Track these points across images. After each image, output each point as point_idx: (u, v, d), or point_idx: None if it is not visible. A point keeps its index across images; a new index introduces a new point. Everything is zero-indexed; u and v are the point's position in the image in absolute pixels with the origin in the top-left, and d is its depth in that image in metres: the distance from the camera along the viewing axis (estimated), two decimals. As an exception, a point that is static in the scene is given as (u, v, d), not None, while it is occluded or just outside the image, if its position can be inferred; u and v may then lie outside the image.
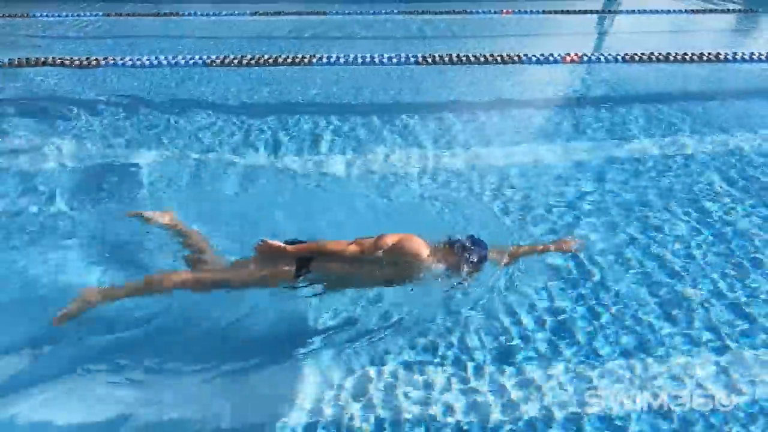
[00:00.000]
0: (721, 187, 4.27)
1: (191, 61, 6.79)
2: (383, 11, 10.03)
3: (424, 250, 2.67)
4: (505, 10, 10.08)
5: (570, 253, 3.37)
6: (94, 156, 4.78)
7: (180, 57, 6.89)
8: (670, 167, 4.60)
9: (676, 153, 4.86)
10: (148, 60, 6.79)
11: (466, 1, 10.36)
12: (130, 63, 6.74)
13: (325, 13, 9.82)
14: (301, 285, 2.84)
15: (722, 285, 3.23)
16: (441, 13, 9.92)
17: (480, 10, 10.03)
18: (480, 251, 2.75)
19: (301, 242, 2.86)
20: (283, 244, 2.76)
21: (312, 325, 2.96)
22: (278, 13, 9.76)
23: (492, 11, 10.06)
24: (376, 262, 2.69)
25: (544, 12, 10.09)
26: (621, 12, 10.84)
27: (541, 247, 3.37)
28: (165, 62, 6.78)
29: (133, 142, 5.02)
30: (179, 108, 5.77)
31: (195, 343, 2.90)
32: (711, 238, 3.66)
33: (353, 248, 2.69)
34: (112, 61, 6.75)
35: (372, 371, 2.67)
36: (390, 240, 2.66)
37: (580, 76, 7.01)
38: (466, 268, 2.74)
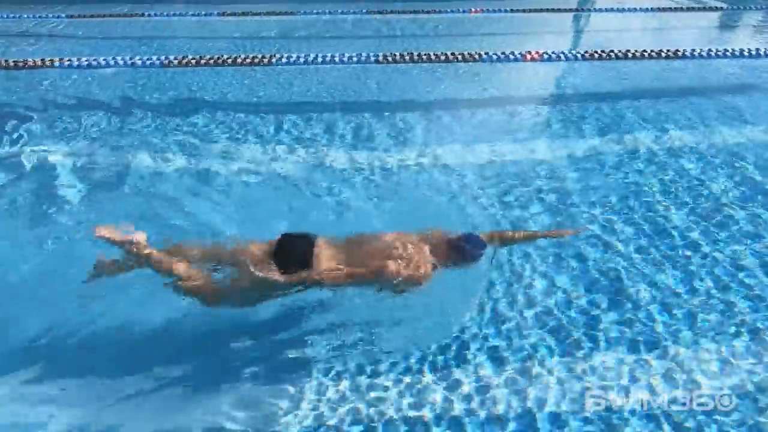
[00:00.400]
0: (691, 182, 4.33)
1: (148, 62, 6.70)
2: (352, 11, 10.00)
3: (425, 275, 2.68)
4: (473, 9, 10.10)
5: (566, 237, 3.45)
6: (52, 158, 4.71)
7: (137, 58, 6.80)
8: (637, 163, 4.64)
9: (642, 150, 4.89)
10: (104, 60, 6.69)
11: (437, 0, 10.38)
12: (86, 64, 6.64)
13: (293, 13, 9.77)
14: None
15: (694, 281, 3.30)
16: (409, 12, 9.92)
17: (449, 9, 10.03)
18: (477, 250, 2.81)
19: (293, 237, 2.78)
20: (276, 276, 2.63)
21: (304, 325, 2.93)
22: (245, 14, 9.69)
23: (461, 10, 10.06)
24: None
25: (512, 11, 10.13)
26: (594, 10, 10.91)
27: (540, 233, 3.46)
28: (122, 63, 6.69)
29: (88, 143, 4.96)
30: (132, 109, 5.71)
31: (187, 347, 2.88)
32: (685, 234, 3.71)
33: (350, 279, 2.67)
34: (68, 63, 6.64)
35: (369, 371, 2.68)
36: (392, 270, 2.63)
37: (543, 74, 7.04)
38: (462, 262, 2.83)
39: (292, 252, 2.68)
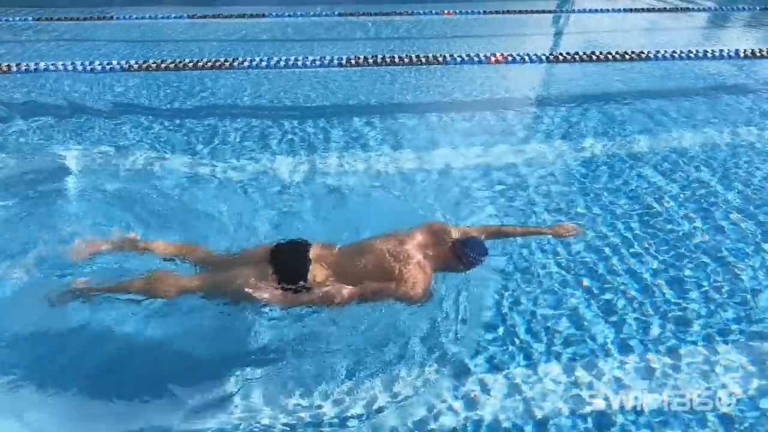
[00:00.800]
0: (665, 185, 4.30)
1: (108, 66, 6.61)
2: (324, 13, 9.96)
3: (428, 285, 2.63)
4: (446, 11, 10.08)
5: (565, 238, 3.35)
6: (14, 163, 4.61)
7: (97, 62, 6.71)
8: (608, 167, 4.59)
9: (615, 153, 4.86)
10: (63, 65, 6.60)
11: (409, 3, 10.35)
12: (44, 68, 6.54)
13: (263, 16, 9.70)
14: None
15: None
16: (380, 14, 9.88)
17: (422, 11, 10.01)
18: (479, 256, 2.72)
19: (288, 245, 2.75)
20: (274, 298, 2.57)
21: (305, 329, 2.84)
22: (216, 16, 9.62)
23: (434, 12, 10.04)
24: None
25: (485, 12, 10.12)
26: (573, 11, 10.91)
27: (534, 229, 3.39)
28: (80, 68, 6.60)
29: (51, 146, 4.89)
30: (95, 113, 5.61)
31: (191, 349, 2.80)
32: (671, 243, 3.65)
33: (348, 302, 2.58)
34: (25, 68, 6.54)
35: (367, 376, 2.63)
36: (391, 293, 2.57)
37: (509, 76, 7.02)
38: (463, 268, 2.77)
39: (288, 260, 2.64)
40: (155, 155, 4.74)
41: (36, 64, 6.61)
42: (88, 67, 6.61)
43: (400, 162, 4.67)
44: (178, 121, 5.45)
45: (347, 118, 5.52)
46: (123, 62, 6.69)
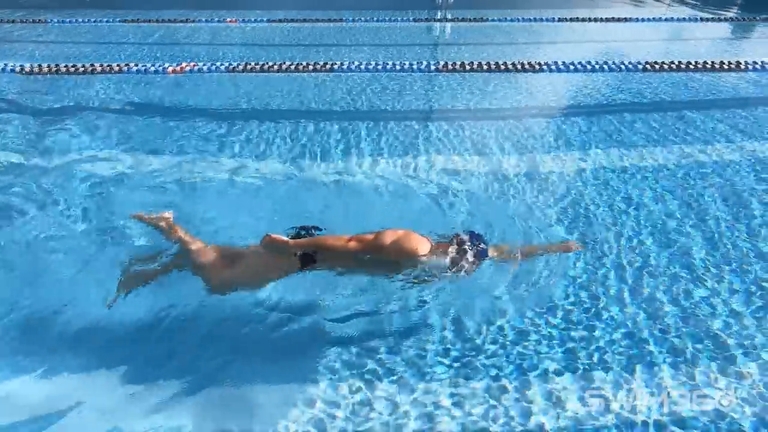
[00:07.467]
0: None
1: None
2: (102, 19, 10.29)
3: (423, 248, 2.71)
4: (229, 19, 10.31)
5: (570, 254, 3.38)
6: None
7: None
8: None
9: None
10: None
11: (187, 9, 10.65)
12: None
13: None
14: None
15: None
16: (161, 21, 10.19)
17: (203, 19, 10.27)
18: (479, 246, 2.79)
19: (306, 232, 2.94)
20: (286, 239, 2.82)
21: (311, 322, 2.90)
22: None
23: (216, 20, 10.29)
24: (377, 259, 2.74)
25: (269, 21, 10.32)
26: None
27: (546, 247, 3.41)
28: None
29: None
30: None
31: (197, 341, 2.81)
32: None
33: (353, 244, 2.73)
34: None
35: (368, 372, 2.62)
36: (389, 238, 2.69)
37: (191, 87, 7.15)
38: (466, 263, 2.77)
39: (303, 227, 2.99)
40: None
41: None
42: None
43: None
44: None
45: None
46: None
